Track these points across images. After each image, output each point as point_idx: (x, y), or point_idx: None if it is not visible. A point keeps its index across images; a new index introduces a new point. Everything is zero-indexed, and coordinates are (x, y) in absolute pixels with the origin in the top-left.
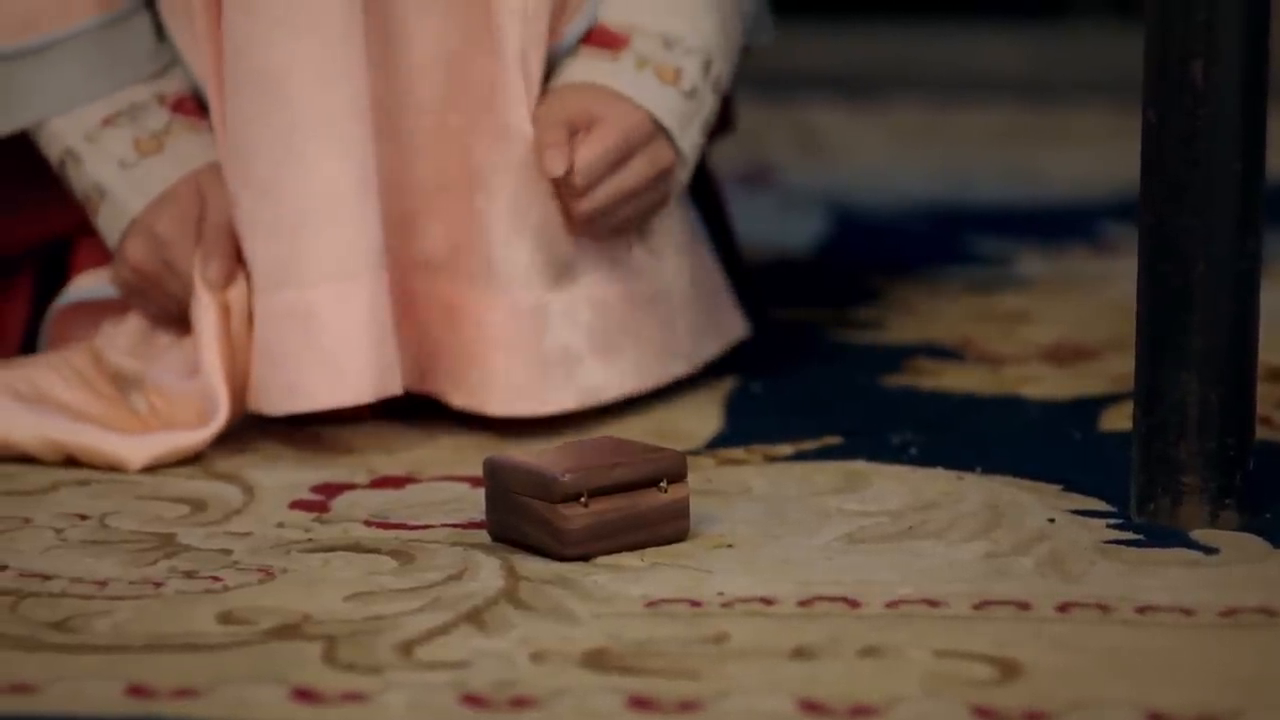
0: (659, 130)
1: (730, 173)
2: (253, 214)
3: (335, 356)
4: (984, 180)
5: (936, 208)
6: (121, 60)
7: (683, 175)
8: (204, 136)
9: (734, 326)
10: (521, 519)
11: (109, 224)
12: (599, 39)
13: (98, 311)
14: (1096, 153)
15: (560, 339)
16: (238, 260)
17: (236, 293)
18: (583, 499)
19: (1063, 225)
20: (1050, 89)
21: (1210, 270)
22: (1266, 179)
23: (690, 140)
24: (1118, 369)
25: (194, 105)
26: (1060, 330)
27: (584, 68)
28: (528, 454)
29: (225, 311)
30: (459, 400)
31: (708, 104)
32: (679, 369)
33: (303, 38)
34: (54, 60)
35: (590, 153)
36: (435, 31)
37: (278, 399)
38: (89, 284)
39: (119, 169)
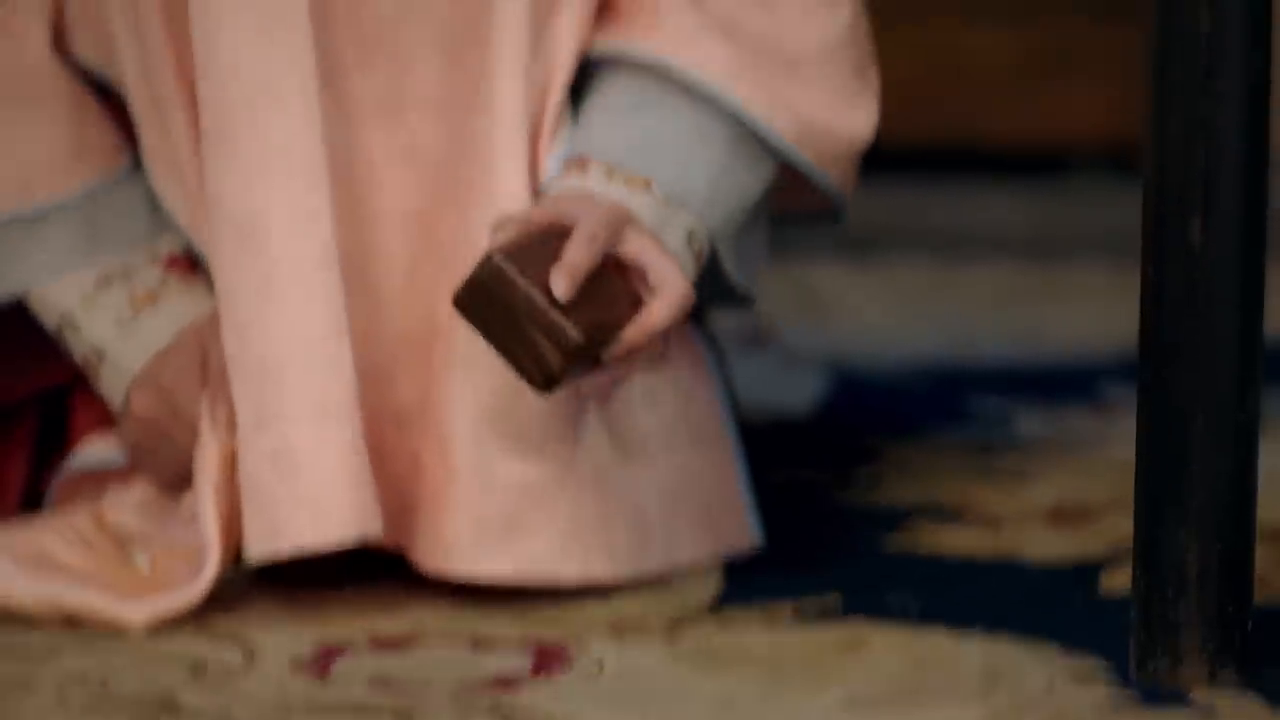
0: (633, 219)
1: (731, 332)
2: (236, 356)
3: (316, 496)
4: (985, 339)
5: (937, 367)
6: (116, 226)
7: (675, 294)
8: (198, 293)
9: (737, 535)
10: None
11: (110, 385)
12: (566, 164)
13: (104, 476)
14: (1097, 310)
15: (505, 506)
16: None
17: None
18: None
19: (1063, 385)
20: (1051, 247)
21: (1209, 428)
22: (1265, 336)
23: (673, 243)
24: (1118, 530)
25: (187, 263)
26: (1060, 490)
27: (551, 186)
28: None
29: (230, 458)
30: (413, 555)
31: (683, 222)
32: (649, 565)
33: (276, 184)
34: (49, 227)
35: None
36: (404, 186)
37: (263, 541)
38: (96, 452)
39: (116, 328)
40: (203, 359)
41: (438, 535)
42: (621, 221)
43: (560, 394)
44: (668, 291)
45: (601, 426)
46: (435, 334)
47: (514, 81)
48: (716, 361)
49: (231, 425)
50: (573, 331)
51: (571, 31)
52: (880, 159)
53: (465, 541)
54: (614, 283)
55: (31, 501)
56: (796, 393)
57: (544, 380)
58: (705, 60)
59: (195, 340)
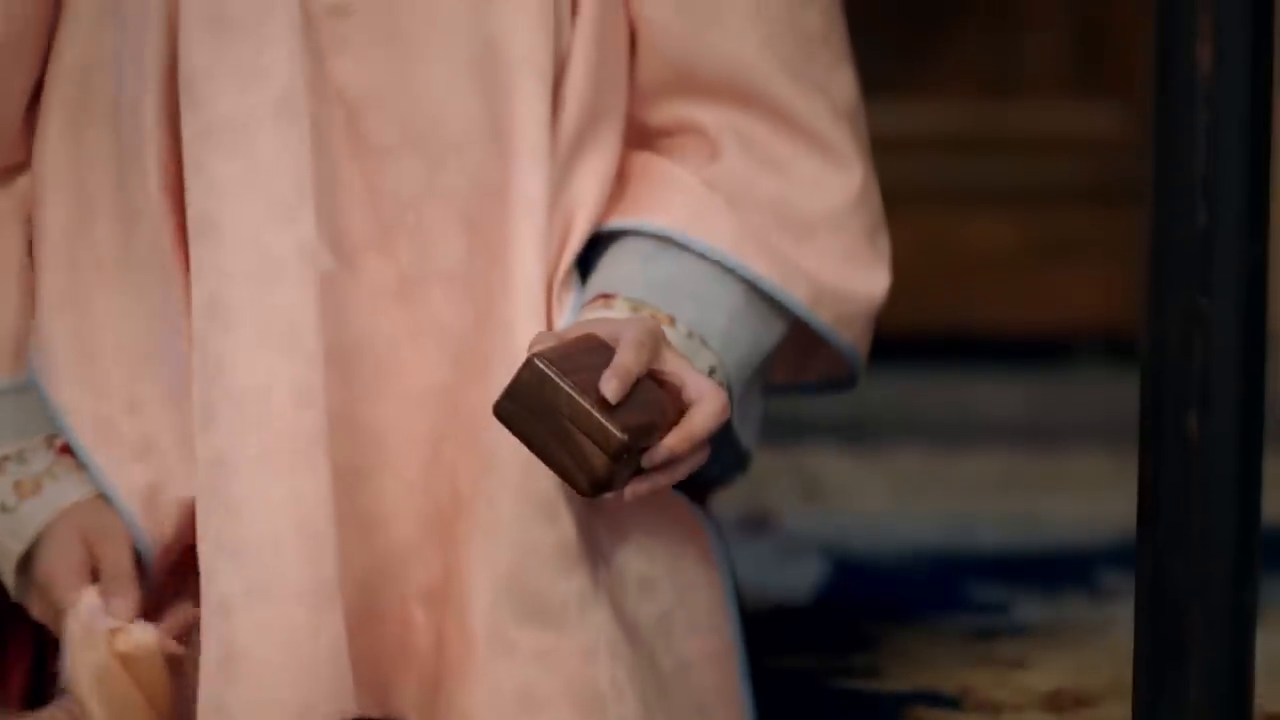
0: (667, 339)
1: (731, 518)
2: (223, 532)
3: (303, 670)
4: (984, 526)
5: (936, 554)
6: (35, 411)
7: (710, 412)
8: (84, 476)
9: None
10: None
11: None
12: (588, 302)
13: None
14: (1095, 497)
15: (522, 675)
16: (139, 593)
17: (140, 633)
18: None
19: (1061, 572)
20: (1049, 433)
21: (1206, 618)
22: (1262, 528)
23: (703, 367)
24: (1117, 717)
25: None
26: (1059, 677)
27: (579, 316)
28: None
29: (115, 645)
30: None
31: (705, 358)
32: None
33: (279, 355)
34: None
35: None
36: (427, 363)
37: (251, 715)
38: None
39: (1, 514)
40: (82, 549)
41: (458, 707)
42: (659, 338)
43: (576, 571)
44: (707, 402)
45: (609, 602)
46: (459, 508)
47: (533, 249)
48: (721, 545)
49: (132, 614)
50: (617, 431)
51: (587, 199)
52: (879, 345)
53: (483, 713)
54: (655, 392)
55: (36, 693)
56: (796, 579)
57: (589, 483)
58: (714, 236)
59: (70, 529)
